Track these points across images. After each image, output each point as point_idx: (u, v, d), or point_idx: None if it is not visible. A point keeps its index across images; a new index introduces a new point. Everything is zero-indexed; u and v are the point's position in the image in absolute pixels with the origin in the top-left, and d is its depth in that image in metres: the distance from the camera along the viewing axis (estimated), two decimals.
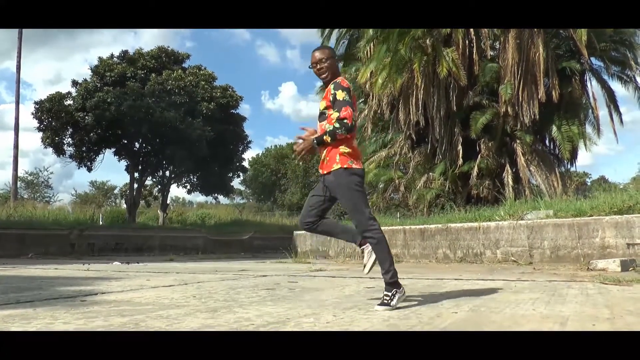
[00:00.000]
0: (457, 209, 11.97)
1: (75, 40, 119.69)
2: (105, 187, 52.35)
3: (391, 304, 3.09)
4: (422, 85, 14.97)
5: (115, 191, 43.88)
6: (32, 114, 19.93)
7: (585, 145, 15.72)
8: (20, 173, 38.49)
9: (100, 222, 20.07)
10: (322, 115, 3.36)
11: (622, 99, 70.28)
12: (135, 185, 22.54)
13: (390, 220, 12.65)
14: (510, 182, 14.78)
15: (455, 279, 5.50)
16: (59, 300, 3.62)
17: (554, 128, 15.48)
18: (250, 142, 25.07)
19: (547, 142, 17.08)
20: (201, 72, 22.80)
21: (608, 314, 2.84)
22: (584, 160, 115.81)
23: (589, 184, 36.54)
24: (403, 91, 15.42)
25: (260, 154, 47.66)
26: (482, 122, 14.69)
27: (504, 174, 15.11)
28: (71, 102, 20.05)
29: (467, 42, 14.97)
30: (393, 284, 3.15)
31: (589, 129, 16.66)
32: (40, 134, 20.13)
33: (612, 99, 16.85)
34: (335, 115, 3.21)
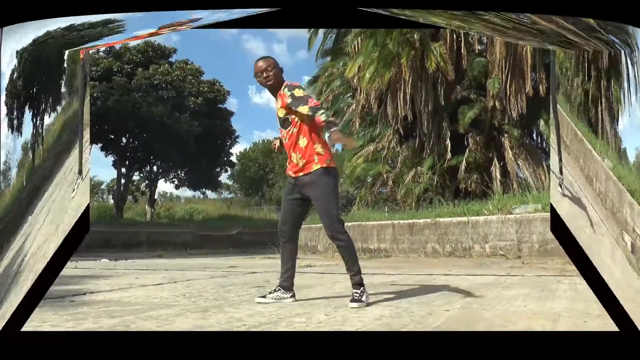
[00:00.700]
0: (446, 203, 11.98)
1: None
2: (92, 183, 51.93)
3: (362, 299, 3.15)
4: (410, 80, 14.93)
5: (102, 187, 43.50)
6: None
7: None
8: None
9: None
10: (285, 122, 3.29)
11: None
12: (123, 181, 22.41)
13: (379, 214, 12.63)
14: (499, 176, 14.82)
15: (445, 275, 5.52)
16: (47, 301, 3.55)
17: (542, 122, 15.55)
18: (237, 136, 25.06)
19: (534, 135, 17.16)
20: (188, 66, 22.65)
21: (599, 310, 2.85)
22: None
23: None
24: (391, 85, 15.41)
25: (247, 149, 47.46)
26: (470, 116, 14.70)
27: (492, 168, 15.14)
28: None
29: (455, 36, 14.97)
30: (361, 282, 3.23)
31: None
32: None
33: None
34: (305, 108, 3.10)
